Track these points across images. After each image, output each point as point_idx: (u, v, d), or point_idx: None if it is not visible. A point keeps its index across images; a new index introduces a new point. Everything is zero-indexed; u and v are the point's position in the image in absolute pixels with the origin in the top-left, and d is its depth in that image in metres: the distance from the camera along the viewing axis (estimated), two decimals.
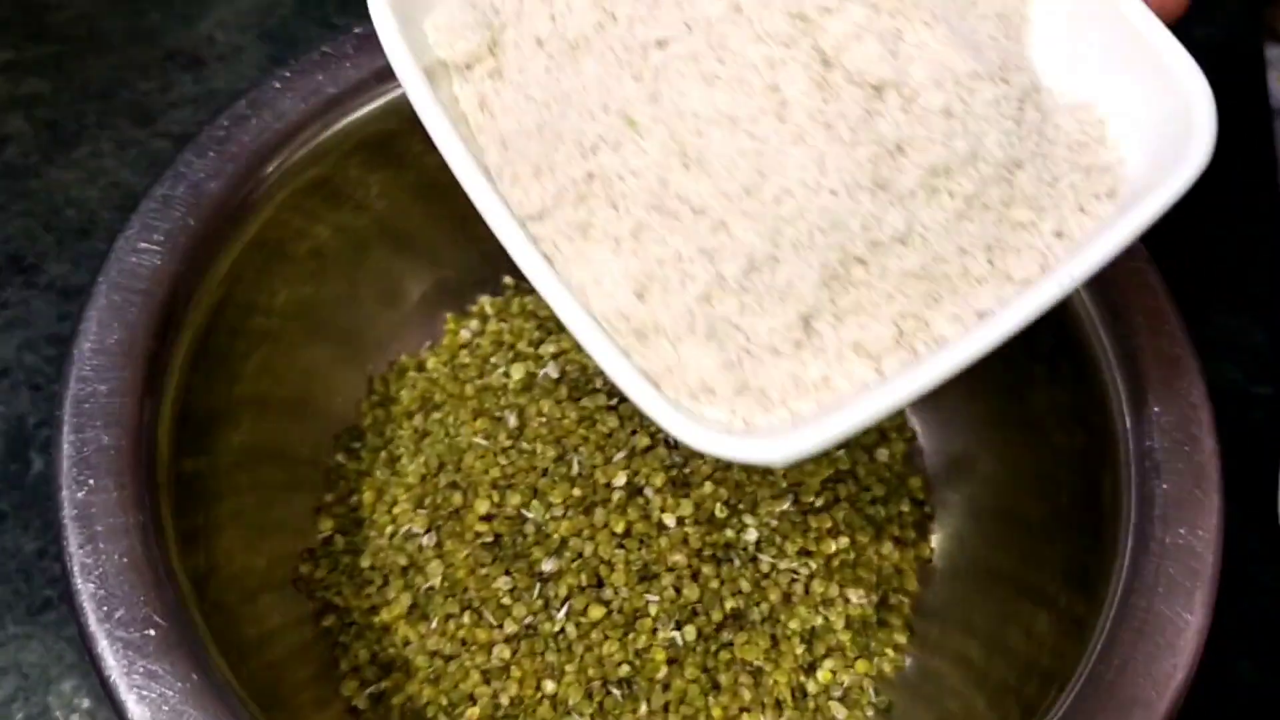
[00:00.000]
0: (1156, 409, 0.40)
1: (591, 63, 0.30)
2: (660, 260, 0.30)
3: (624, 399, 0.48)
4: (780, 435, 0.29)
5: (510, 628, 0.46)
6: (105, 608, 0.35)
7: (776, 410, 0.30)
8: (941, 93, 0.29)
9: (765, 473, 0.49)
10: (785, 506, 0.49)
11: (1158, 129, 0.32)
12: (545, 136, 0.31)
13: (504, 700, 0.46)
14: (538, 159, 0.31)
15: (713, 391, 0.30)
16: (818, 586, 0.49)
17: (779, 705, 0.47)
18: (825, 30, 0.28)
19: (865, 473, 0.52)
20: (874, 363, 0.30)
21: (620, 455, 0.48)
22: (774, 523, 0.49)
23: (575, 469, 0.47)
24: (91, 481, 0.36)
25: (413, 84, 0.31)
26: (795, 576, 0.49)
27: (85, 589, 0.35)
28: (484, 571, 0.47)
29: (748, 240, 0.29)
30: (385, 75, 0.44)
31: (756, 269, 0.29)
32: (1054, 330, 0.44)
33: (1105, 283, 0.42)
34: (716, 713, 0.46)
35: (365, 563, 0.49)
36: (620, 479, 0.47)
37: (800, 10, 0.28)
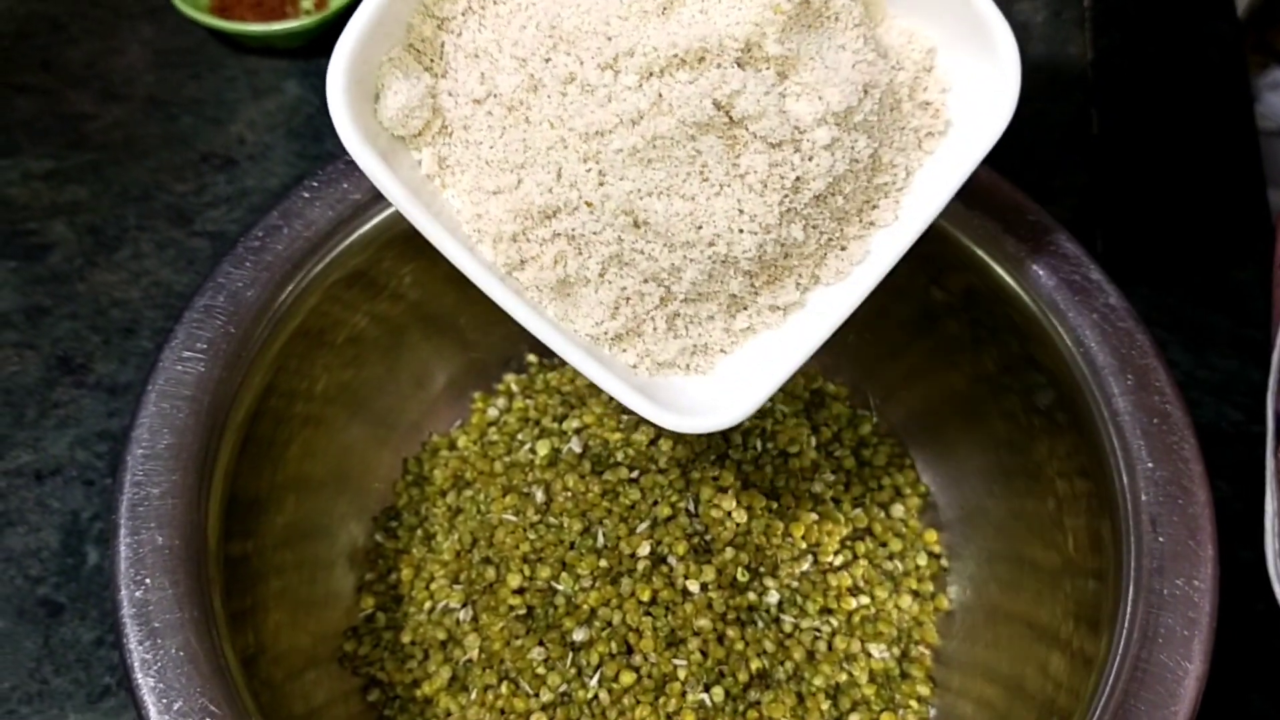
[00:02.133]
0: (1150, 464, 0.41)
1: (537, 137, 0.35)
2: (624, 288, 0.38)
3: (644, 472, 0.51)
4: (720, 407, 0.38)
5: (546, 696, 0.48)
6: (165, 700, 0.37)
7: (715, 355, 0.41)
8: (824, 128, 0.35)
9: (785, 535, 0.51)
10: (805, 567, 0.51)
11: (972, 60, 0.38)
12: (510, 203, 0.37)
13: None
14: (512, 228, 0.37)
15: (673, 364, 0.40)
16: (840, 643, 0.50)
17: None
18: (734, 108, 0.34)
19: (882, 529, 0.54)
20: (783, 313, 0.40)
21: (643, 526, 0.50)
22: (795, 583, 0.51)
23: (601, 541, 0.50)
24: (148, 581, 0.39)
25: (379, 175, 0.36)
26: (818, 634, 0.50)
27: (145, 683, 0.37)
28: (519, 643, 0.49)
29: (691, 273, 0.36)
30: None
31: (697, 286, 0.38)
32: (1051, 386, 0.46)
33: (1096, 343, 0.44)
34: None
35: (406, 638, 0.51)
36: (644, 549, 0.49)
37: (714, 97, 0.33)
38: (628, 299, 0.38)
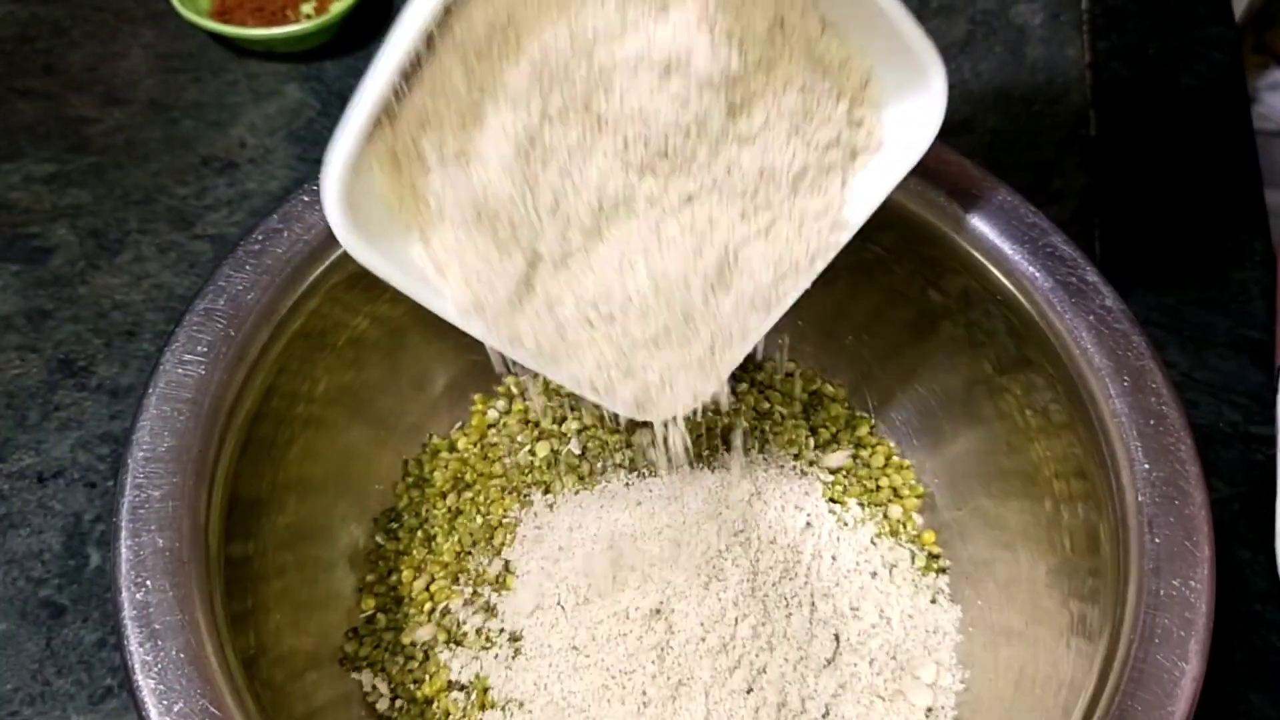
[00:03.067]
0: (1146, 465, 0.41)
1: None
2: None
3: None
4: None
5: None
6: (165, 701, 0.37)
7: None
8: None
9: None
10: None
11: (905, 81, 0.38)
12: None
13: None
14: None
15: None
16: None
17: None
18: None
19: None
20: None
21: None
22: None
23: None
24: (149, 583, 0.39)
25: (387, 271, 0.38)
26: None
27: (146, 684, 0.37)
28: None
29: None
30: None
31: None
32: (1048, 388, 0.46)
33: (1092, 345, 0.44)
34: None
35: (407, 639, 0.51)
36: None
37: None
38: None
